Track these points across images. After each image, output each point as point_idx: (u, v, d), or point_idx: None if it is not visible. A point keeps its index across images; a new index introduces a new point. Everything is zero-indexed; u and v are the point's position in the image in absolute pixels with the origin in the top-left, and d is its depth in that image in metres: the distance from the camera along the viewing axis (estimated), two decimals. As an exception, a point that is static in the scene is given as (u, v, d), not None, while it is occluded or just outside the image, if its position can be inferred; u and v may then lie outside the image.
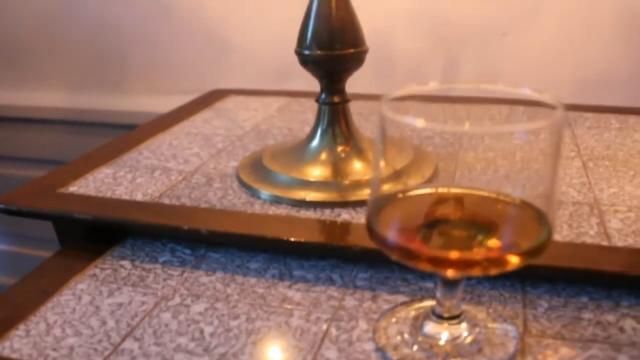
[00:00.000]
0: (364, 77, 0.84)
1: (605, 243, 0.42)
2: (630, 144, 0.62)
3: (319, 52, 0.47)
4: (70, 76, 1.02)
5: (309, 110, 0.73)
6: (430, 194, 0.37)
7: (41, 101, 1.03)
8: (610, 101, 0.78)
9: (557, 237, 0.44)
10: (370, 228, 0.32)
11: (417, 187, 0.38)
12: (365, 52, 0.48)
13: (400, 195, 0.35)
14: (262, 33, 0.87)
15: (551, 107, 0.32)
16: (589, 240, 0.43)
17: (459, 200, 0.37)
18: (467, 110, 0.72)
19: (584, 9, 0.77)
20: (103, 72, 0.99)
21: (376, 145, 0.33)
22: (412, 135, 0.62)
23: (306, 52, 0.47)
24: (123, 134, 0.68)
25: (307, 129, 0.66)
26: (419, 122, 0.28)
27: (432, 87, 0.36)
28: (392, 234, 0.32)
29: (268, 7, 0.86)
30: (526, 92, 0.34)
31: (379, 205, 0.33)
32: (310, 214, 0.47)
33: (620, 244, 0.42)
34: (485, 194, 0.37)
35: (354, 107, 0.74)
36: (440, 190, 0.37)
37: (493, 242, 0.32)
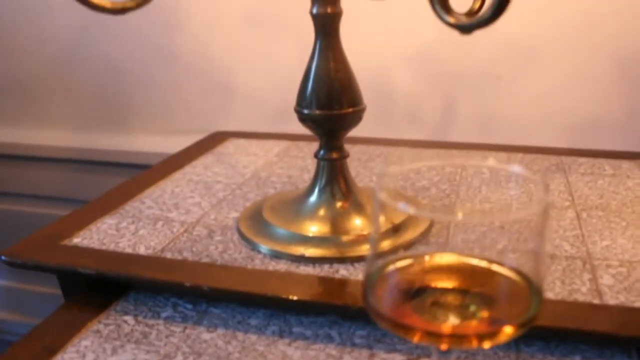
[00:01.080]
0: (363, 119, 0.86)
1: (597, 301, 0.43)
2: (623, 192, 0.63)
3: (317, 112, 0.48)
4: (76, 116, 1.03)
5: (307, 155, 0.75)
6: (423, 263, 0.38)
7: (47, 140, 1.04)
8: (604, 144, 0.79)
9: (549, 294, 0.45)
10: (366, 301, 0.33)
11: (410, 253, 0.39)
12: (363, 110, 0.50)
13: (392, 266, 0.36)
14: (264, 76, 0.89)
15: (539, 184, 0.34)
16: (581, 297, 0.44)
17: (452, 269, 0.38)
18: (463, 157, 0.74)
19: (578, 54, 0.78)
20: (108, 113, 1.01)
21: (373, 221, 0.34)
22: (408, 186, 0.63)
23: (305, 111, 0.49)
24: (126, 180, 0.69)
25: (306, 177, 0.67)
26: (412, 210, 0.29)
27: (426, 163, 0.38)
28: (385, 308, 0.33)
29: (269, 51, 0.88)
30: (516, 170, 0.36)
31: (374, 278, 0.34)
32: (309, 269, 0.48)
33: (612, 301, 0.43)
34: (477, 262, 0.38)
35: (353, 152, 0.75)
36: (434, 258, 0.38)
37: (486, 315, 0.33)
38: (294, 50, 0.85)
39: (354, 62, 0.79)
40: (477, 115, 0.84)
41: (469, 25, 0.34)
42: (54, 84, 1.03)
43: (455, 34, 0.49)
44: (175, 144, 0.93)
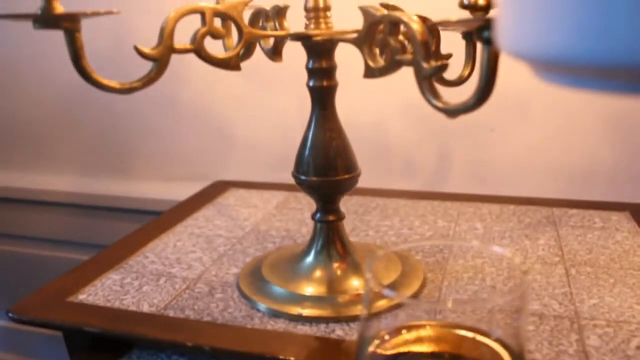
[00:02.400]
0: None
1: (583, 364, 0.45)
2: (612, 247, 0.65)
3: (314, 179, 0.50)
4: (80, 161, 1.06)
5: (305, 207, 0.77)
6: (413, 329, 0.40)
7: (51, 184, 1.07)
8: (595, 194, 0.82)
9: (537, 355, 0.46)
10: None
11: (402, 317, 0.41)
12: (358, 175, 0.52)
13: (379, 341, 0.38)
14: (263, 125, 0.92)
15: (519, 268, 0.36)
16: (567, 359, 0.46)
17: (439, 339, 0.40)
18: (457, 210, 0.76)
19: (569, 107, 0.81)
20: (111, 159, 1.03)
21: (363, 302, 0.35)
22: (400, 242, 0.65)
23: (302, 177, 0.51)
24: (131, 233, 0.71)
25: (304, 231, 0.69)
26: (398, 297, 0.31)
27: (412, 245, 0.40)
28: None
29: (268, 101, 0.90)
30: (497, 250, 0.38)
31: (366, 343, 0.36)
32: (306, 328, 0.50)
33: (597, 364, 0.45)
34: (463, 332, 0.40)
35: (350, 204, 0.77)
36: (422, 331, 0.40)
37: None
38: (293, 101, 0.88)
39: (351, 113, 0.82)
40: (470, 165, 0.86)
41: (455, 110, 0.37)
42: (58, 130, 1.06)
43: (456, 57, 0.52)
44: (177, 191, 0.95)
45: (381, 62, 0.42)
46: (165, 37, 0.42)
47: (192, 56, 0.87)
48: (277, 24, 0.51)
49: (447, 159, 0.87)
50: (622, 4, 0.19)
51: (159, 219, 0.76)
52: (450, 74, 0.52)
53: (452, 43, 0.54)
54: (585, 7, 0.20)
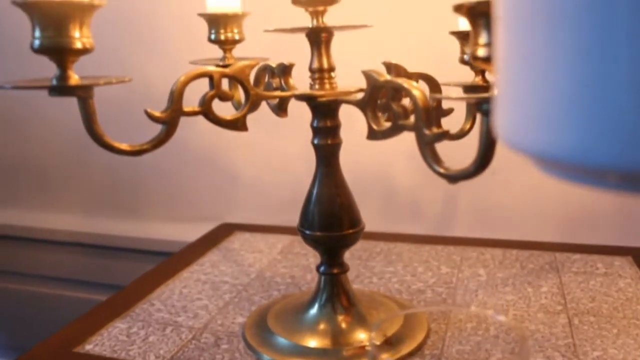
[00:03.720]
0: (366, 211, 0.90)
1: (586, 421, 0.45)
2: (614, 294, 0.65)
3: (319, 234, 0.51)
4: (88, 201, 1.07)
5: (310, 252, 0.78)
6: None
7: (59, 224, 1.08)
8: (598, 237, 0.82)
9: (541, 412, 0.47)
10: None
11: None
12: (362, 230, 0.53)
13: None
14: (268, 169, 0.93)
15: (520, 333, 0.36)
16: (571, 416, 0.46)
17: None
18: (461, 255, 0.77)
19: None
20: (119, 199, 1.05)
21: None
22: (403, 289, 0.66)
23: (307, 232, 0.52)
24: (137, 279, 0.72)
25: (309, 277, 0.70)
26: None
27: (412, 311, 0.41)
28: None
29: (275, 145, 0.92)
30: (492, 315, 0.38)
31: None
32: (311, 382, 0.51)
33: (600, 421, 0.45)
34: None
35: (354, 249, 0.78)
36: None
37: None
38: (298, 145, 0.89)
39: (358, 155, 0.83)
40: (474, 209, 0.87)
41: (456, 176, 0.38)
42: (67, 170, 1.07)
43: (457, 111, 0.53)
44: (184, 232, 0.96)
45: (384, 125, 0.43)
46: (175, 101, 0.44)
47: (198, 91, 0.88)
48: (282, 82, 0.53)
49: (450, 202, 0.88)
50: (613, 110, 0.20)
51: (165, 264, 0.76)
52: (452, 127, 0.54)
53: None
54: (576, 111, 0.21)
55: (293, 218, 0.90)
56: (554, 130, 0.22)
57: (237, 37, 0.61)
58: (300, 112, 0.57)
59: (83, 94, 0.40)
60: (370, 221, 0.89)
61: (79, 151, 1.06)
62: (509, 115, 0.25)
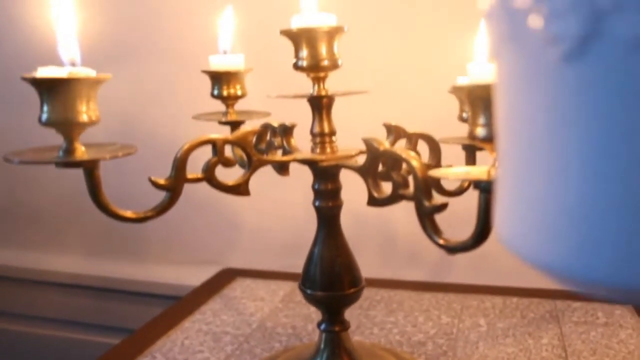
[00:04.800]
0: (366, 257, 0.90)
1: None
2: (616, 347, 0.65)
3: (320, 293, 0.52)
4: (87, 242, 1.08)
5: (312, 301, 0.78)
6: None
7: (60, 265, 1.08)
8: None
9: None
10: None
11: None
12: (362, 288, 0.53)
13: None
14: (270, 213, 0.94)
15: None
16: None
17: None
18: (461, 303, 0.77)
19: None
20: (119, 241, 1.05)
21: None
22: (404, 340, 0.66)
23: (309, 292, 0.52)
24: (139, 329, 0.72)
25: (310, 328, 0.70)
26: None
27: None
28: None
29: (276, 192, 0.93)
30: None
31: None
32: None
33: None
34: None
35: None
36: None
37: None
38: (300, 193, 0.90)
39: (358, 202, 0.83)
40: (473, 254, 0.87)
41: (454, 248, 0.38)
42: (69, 213, 1.08)
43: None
44: (184, 275, 0.97)
45: (385, 193, 0.44)
46: (178, 168, 0.45)
47: (202, 134, 0.89)
48: (284, 142, 0.54)
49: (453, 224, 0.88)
50: (600, 230, 0.21)
51: (167, 312, 0.77)
52: (450, 184, 0.55)
53: (452, 150, 0.56)
54: (565, 226, 0.22)
55: (294, 262, 0.91)
56: (545, 241, 0.23)
57: (239, 92, 0.62)
58: (304, 145, 0.57)
59: (89, 166, 0.41)
60: (371, 267, 0.89)
61: (78, 191, 1.06)
62: (505, 216, 0.26)
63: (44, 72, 0.39)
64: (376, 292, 0.81)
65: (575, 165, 0.22)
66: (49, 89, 0.39)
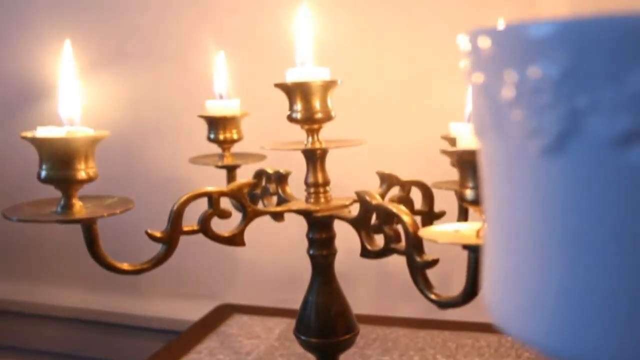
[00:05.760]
0: (361, 292, 0.90)
1: None
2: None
3: (314, 340, 0.52)
4: (85, 277, 1.08)
5: (308, 339, 0.78)
6: None
7: (56, 299, 1.08)
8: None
9: None
10: None
11: None
12: (357, 334, 0.54)
13: None
14: (266, 248, 0.94)
15: None
16: None
17: None
18: (456, 342, 0.77)
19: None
20: (117, 275, 1.05)
21: None
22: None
23: (303, 338, 0.53)
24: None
25: (306, 368, 0.70)
26: None
27: None
28: None
29: (273, 223, 0.93)
30: None
31: None
32: None
33: None
34: None
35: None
36: None
37: None
38: (294, 224, 0.91)
39: (353, 237, 0.84)
40: (469, 289, 0.88)
41: (445, 304, 0.39)
42: (66, 246, 1.08)
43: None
44: (181, 309, 0.97)
45: (378, 245, 0.45)
46: (174, 221, 0.45)
47: (198, 175, 0.90)
48: (279, 189, 0.55)
49: (446, 283, 0.89)
50: (585, 311, 0.22)
51: (162, 351, 0.77)
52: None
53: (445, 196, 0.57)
54: (549, 308, 0.23)
55: (291, 296, 0.91)
56: (530, 321, 0.24)
57: (235, 136, 0.63)
58: (299, 190, 0.58)
59: (87, 221, 0.42)
60: (366, 301, 0.90)
61: (76, 225, 1.07)
62: (491, 291, 0.27)
63: (43, 132, 0.40)
64: (372, 329, 0.81)
65: (556, 252, 0.23)
66: (48, 147, 0.40)
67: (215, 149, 0.65)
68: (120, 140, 0.96)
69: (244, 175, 0.66)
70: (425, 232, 0.38)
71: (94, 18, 0.99)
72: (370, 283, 0.90)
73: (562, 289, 0.22)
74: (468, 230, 0.38)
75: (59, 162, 0.40)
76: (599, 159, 0.20)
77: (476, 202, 0.35)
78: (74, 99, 0.42)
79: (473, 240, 0.35)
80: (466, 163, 0.35)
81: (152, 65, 0.97)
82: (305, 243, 0.54)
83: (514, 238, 0.25)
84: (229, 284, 0.98)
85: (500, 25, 0.22)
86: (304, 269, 0.57)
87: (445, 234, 0.38)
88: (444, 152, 0.37)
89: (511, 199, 0.24)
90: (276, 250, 0.94)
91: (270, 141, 0.75)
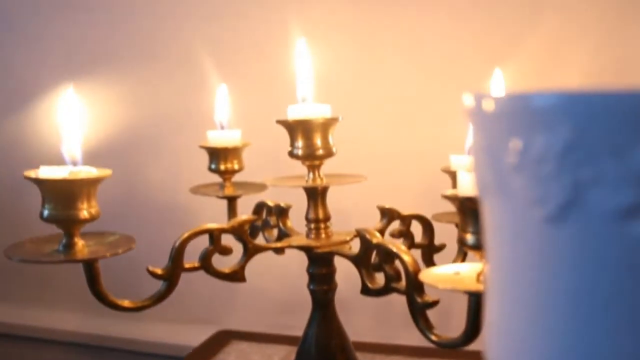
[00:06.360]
0: (361, 319, 0.90)
1: None
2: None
3: (316, 381, 0.52)
4: (83, 300, 1.07)
5: (307, 367, 0.78)
6: None
7: (55, 322, 1.08)
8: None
9: None
10: None
11: None
12: (357, 369, 0.54)
13: None
14: (266, 275, 0.94)
15: None
16: None
17: None
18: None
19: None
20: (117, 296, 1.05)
21: None
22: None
23: (305, 375, 0.53)
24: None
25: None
26: None
27: None
28: None
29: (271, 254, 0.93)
30: None
31: None
32: None
33: None
34: None
35: None
36: None
37: None
38: (296, 251, 0.91)
39: (355, 269, 0.84)
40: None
41: (446, 344, 0.39)
42: (64, 269, 1.08)
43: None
44: (180, 334, 0.96)
45: (378, 284, 0.45)
46: (176, 258, 0.46)
47: (198, 205, 0.90)
48: (280, 223, 0.55)
49: (445, 310, 0.89)
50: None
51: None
52: (443, 260, 0.55)
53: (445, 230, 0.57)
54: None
55: (291, 323, 0.91)
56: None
57: (236, 167, 0.63)
58: (299, 222, 0.58)
59: (89, 261, 0.42)
60: (367, 329, 0.89)
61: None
62: (493, 346, 0.27)
63: (45, 171, 0.41)
64: (371, 357, 0.81)
65: (557, 317, 0.23)
66: (51, 188, 0.40)
67: (216, 176, 0.66)
68: (121, 165, 0.97)
69: (245, 204, 0.66)
70: (425, 276, 0.39)
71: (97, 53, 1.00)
72: (371, 310, 0.89)
73: (563, 354, 0.22)
74: (468, 272, 0.38)
75: (61, 202, 0.41)
76: (601, 231, 0.20)
77: (477, 247, 0.36)
78: (77, 139, 0.42)
79: (473, 286, 0.35)
80: (467, 209, 0.35)
81: (152, 90, 0.97)
82: (305, 268, 0.54)
83: (513, 297, 0.25)
84: (228, 309, 0.98)
85: (505, 92, 0.22)
86: (305, 295, 0.56)
87: (446, 277, 0.38)
88: (445, 197, 0.38)
89: (513, 260, 0.24)
90: (277, 275, 0.94)
91: (272, 170, 0.76)
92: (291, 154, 0.50)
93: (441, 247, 0.56)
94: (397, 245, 0.43)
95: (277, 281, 0.94)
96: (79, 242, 0.42)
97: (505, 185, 0.23)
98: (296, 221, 0.57)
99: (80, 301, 1.09)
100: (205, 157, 0.64)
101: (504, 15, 0.73)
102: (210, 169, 0.64)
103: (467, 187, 0.36)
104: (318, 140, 0.49)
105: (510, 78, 0.55)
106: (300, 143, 0.49)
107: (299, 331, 0.80)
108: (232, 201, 0.64)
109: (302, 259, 0.55)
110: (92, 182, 0.41)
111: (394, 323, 0.90)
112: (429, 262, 0.55)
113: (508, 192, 0.23)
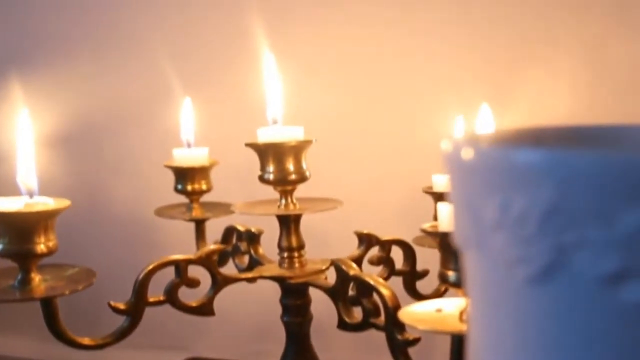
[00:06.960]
0: (341, 342, 0.88)
1: None
2: None
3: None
4: (43, 327, 1.03)
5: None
6: None
7: (11, 350, 1.03)
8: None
9: None
10: None
11: None
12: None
13: None
14: (237, 297, 0.91)
15: None
16: None
17: None
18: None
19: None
20: (78, 324, 1.00)
21: None
22: None
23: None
24: None
25: None
26: None
27: None
28: None
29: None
30: None
31: None
32: None
33: None
34: None
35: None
36: None
37: None
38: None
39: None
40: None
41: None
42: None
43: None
44: None
45: (356, 318, 0.42)
46: (139, 292, 0.43)
47: (164, 226, 0.87)
48: (251, 250, 0.52)
49: (428, 346, 0.86)
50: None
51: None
52: (426, 287, 0.53)
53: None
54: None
55: (264, 349, 0.88)
56: None
57: (204, 187, 0.61)
58: (271, 248, 0.56)
59: (46, 299, 0.39)
60: (347, 351, 0.87)
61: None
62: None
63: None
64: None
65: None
66: (6, 221, 0.37)
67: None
68: (83, 182, 0.93)
69: (214, 226, 0.63)
70: (405, 316, 0.36)
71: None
72: (349, 340, 0.87)
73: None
74: (451, 310, 0.36)
75: (16, 235, 0.38)
76: (586, 294, 0.19)
77: (459, 284, 0.34)
78: (32, 167, 0.39)
79: (456, 327, 0.33)
80: (448, 246, 0.33)
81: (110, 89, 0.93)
82: (278, 293, 0.52)
83: (497, 352, 0.23)
84: (199, 335, 0.95)
85: (488, 139, 0.20)
86: (278, 321, 0.54)
87: (427, 316, 0.36)
88: (426, 232, 0.36)
89: (494, 315, 0.23)
90: (250, 300, 0.91)
91: (242, 189, 0.73)
92: (262, 179, 0.48)
93: (424, 274, 0.54)
94: (375, 278, 0.41)
95: (250, 306, 0.91)
96: (36, 278, 0.39)
97: (486, 241, 0.21)
98: (268, 247, 0.55)
99: (36, 326, 1.04)
100: (170, 176, 0.61)
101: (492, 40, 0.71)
102: (176, 190, 0.61)
103: (447, 221, 0.34)
104: (290, 165, 0.47)
105: (499, 107, 0.53)
106: (271, 167, 0.47)
107: (272, 357, 0.77)
108: (200, 224, 0.61)
109: (276, 284, 0.53)
110: (50, 215, 0.38)
111: (374, 354, 0.88)
112: (411, 290, 0.53)
113: (489, 249, 0.22)
